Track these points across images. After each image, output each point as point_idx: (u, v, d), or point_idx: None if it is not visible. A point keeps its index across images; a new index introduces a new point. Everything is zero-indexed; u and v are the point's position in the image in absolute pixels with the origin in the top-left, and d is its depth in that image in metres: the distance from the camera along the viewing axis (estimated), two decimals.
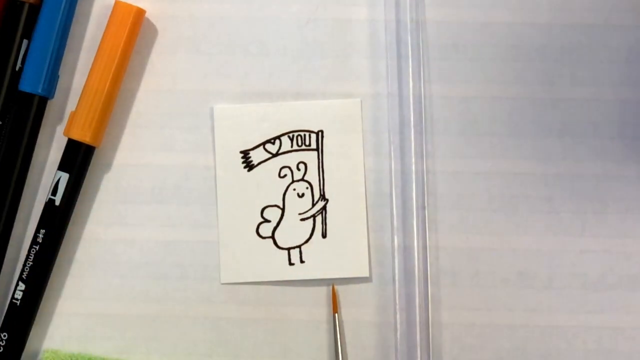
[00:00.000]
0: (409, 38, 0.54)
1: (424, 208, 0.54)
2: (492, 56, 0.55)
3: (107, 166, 0.55)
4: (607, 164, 0.54)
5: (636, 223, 0.54)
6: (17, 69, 0.53)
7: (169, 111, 0.55)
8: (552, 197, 0.54)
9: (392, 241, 0.53)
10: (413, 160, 0.54)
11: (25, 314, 0.53)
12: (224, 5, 0.55)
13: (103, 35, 0.53)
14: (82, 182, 0.54)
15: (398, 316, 0.53)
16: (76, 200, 0.54)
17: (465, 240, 0.54)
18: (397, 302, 0.53)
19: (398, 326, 0.53)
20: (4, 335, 0.53)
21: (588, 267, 0.54)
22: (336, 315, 0.54)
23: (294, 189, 0.55)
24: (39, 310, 0.54)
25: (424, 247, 0.54)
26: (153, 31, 0.55)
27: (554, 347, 0.54)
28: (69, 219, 0.54)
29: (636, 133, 0.54)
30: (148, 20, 0.55)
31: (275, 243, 0.54)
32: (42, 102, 0.54)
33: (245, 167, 0.55)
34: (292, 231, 0.54)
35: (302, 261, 0.54)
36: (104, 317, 0.54)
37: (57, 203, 0.53)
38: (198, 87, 0.55)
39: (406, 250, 0.53)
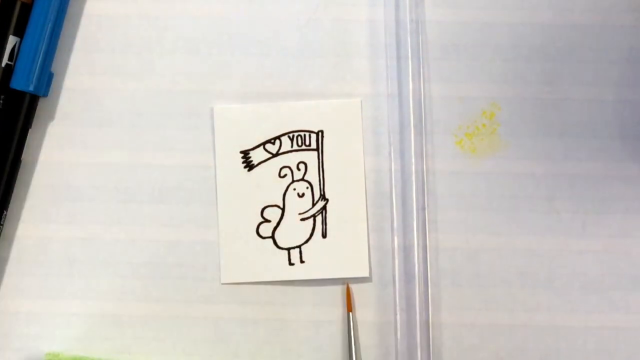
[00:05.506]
0: (409, 38, 0.54)
1: (424, 208, 0.54)
2: (492, 56, 0.55)
3: (107, 166, 0.55)
4: (607, 164, 0.54)
5: (636, 223, 0.54)
6: (3, 65, 0.53)
7: (169, 111, 0.55)
8: (552, 197, 0.54)
9: (392, 241, 0.53)
10: (413, 160, 0.54)
11: None
12: (224, 5, 0.55)
13: None
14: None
15: (398, 316, 0.53)
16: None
17: (465, 240, 0.54)
18: (397, 302, 0.53)
19: (398, 326, 0.53)
20: None
21: (588, 267, 0.54)
22: (350, 314, 0.54)
23: (294, 189, 0.55)
24: (39, 310, 0.54)
25: (424, 247, 0.54)
26: (153, 31, 0.55)
27: (554, 347, 0.54)
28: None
29: (636, 133, 0.54)
30: (148, 20, 0.55)
31: (275, 243, 0.54)
32: (33, 100, 0.53)
33: (245, 167, 0.55)
34: (292, 231, 0.54)
35: (302, 261, 0.54)
36: (104, 317, 0.54)
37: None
38: (198, 87, 0.55)
39: (406, 250, 0.53)
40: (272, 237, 0.54)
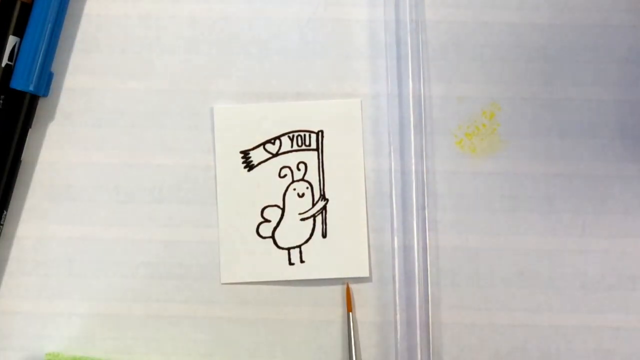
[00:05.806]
0: (409, 38, 0.54)
1: (424, 208, 0.54)
2: (492, 56, 0.55)
3: (107, 166, 0.55)
4: (607, 164, 0.54)
5: (636, 223, 0.54)
6: (3, 65, 0.53)
7: (169, 111, 0.55)
8: (552, 197, 0.54)
9: (392, 241, 0.53)
10: (413, 160, 0.54)
11: None
12: (224, 5, 0.55)
13: None
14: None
15: (398, 316, 0.53)
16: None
17: (465, 240, 0.54)
18: (397, 302, 0.53)
19: (398, 326, 0.53)
20: None
21: (588, 267, 0.54)
22: (350, 314, 0.54)
23: (294, 189, 0.55)
24: (39, 310, 0.54)
25: (424, 247, 0.54)
26: (153, 31, 0.55)
27: (554, 347, 0.54)
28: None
29: (636, 133, 0.54)
30: (148, 20, 0.55)
31: (275, 243, 0.54)
32: (33, 100, 0.53)
33: (245, 167, 0.55)
34: (292, 231, 0.54)
35: (302, 261, 0.54)
36: (104, 317, 0.54)
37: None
38: (198, 87, 0.55)
39: (406, 250, 0.53)
40: (272, 237, 0.54)
